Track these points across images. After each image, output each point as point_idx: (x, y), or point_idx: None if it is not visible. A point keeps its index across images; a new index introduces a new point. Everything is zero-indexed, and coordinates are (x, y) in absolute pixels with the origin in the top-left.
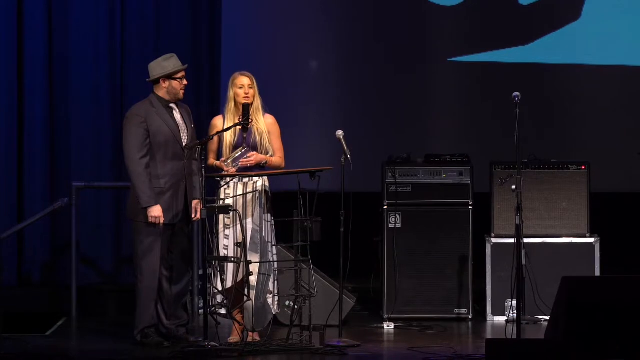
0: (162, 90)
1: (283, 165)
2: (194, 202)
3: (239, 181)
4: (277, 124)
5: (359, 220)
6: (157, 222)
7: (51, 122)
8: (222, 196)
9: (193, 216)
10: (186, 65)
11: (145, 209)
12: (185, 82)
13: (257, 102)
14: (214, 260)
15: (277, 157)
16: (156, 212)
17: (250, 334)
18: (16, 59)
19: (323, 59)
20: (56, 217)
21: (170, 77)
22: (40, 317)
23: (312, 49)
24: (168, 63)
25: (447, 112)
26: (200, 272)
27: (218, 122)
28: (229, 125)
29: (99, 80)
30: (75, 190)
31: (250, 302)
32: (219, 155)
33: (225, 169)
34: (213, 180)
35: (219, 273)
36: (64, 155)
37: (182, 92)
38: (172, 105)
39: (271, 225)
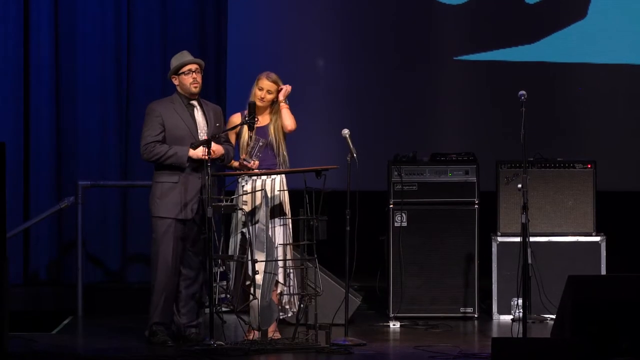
0: (178, 87)
1: (294, 125)
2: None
3: (250, 178)
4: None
5: (365, 219)
6: (208, 155)
7: (58, 120)
8: (240, 192)
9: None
10: (188, 59)
11: (187, 158)
12: (194, 75)
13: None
14: (220, 259)
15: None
16: (197, 153)
17: (271, 331)
18: (23, 57)
19: (329, 57)
20: (62, 215)
21: (176, 73)
22: (46, 315)
23: (319, 47)
24: (174, 60)
25: (453, 111)
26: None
27: (235, 120)
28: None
29: (105, 78)
30: (82, 188)
31: (256, 300)
32: (236, 155)
33: (249, 165)
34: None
35: (226, 271)
36: (70, 153)
37: (193, 86)
38: (193, 102)
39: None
